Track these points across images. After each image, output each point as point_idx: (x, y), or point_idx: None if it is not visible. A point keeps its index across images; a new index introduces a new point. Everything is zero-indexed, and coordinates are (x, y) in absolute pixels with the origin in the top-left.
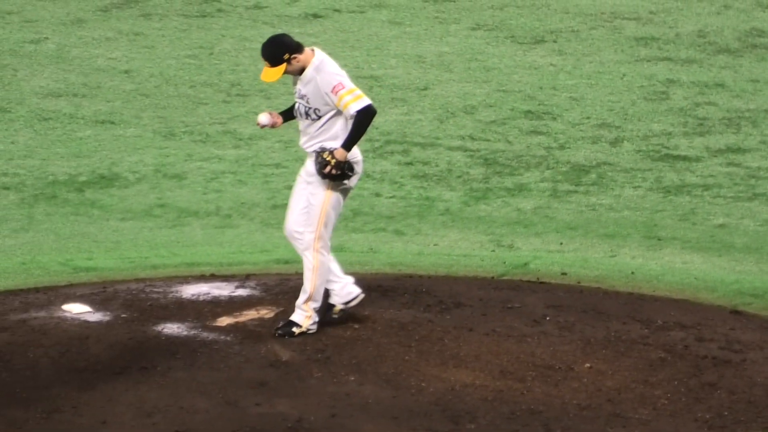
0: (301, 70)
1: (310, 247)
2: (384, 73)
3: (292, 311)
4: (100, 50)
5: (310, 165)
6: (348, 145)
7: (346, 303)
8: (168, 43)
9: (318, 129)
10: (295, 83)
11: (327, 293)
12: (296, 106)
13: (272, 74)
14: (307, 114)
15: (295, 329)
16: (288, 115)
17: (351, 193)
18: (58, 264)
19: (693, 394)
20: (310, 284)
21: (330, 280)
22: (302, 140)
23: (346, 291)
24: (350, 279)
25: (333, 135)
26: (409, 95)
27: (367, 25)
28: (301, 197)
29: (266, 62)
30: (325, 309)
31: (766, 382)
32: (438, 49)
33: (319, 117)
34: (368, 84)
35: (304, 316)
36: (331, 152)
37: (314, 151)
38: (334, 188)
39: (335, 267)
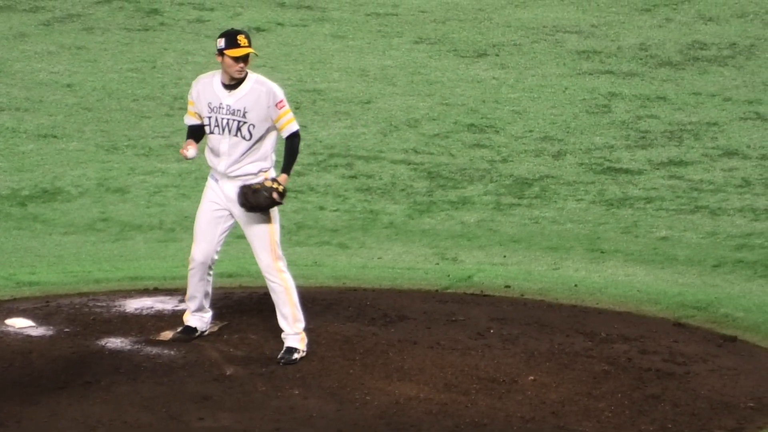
0: (232, 81)
1: (272, 270)
2: (327, 87)
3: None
4: (43, 64)
5: (229, 190)
6: (290, 169)
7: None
8: (110, 57)
9: (248, 149)
10: (215, 99)
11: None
12: (218, 122)
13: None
14: (238, 130)
15: (296, 355)
16: (197, 137)
17: None
18: (0, 278)
19: (637, 406)
20: (288, 307)
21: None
22: (224, 162)
23: (207, 320)
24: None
25: (263, 155)
26: (353, 109)
27: (310, 38)
28: (218, 225)
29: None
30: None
31: (709, 394)
32: (381, 63)
33: (251, 136)
34: (311, 98)
35: (297, 339)
36: (275, 179)
37: (241, 175)
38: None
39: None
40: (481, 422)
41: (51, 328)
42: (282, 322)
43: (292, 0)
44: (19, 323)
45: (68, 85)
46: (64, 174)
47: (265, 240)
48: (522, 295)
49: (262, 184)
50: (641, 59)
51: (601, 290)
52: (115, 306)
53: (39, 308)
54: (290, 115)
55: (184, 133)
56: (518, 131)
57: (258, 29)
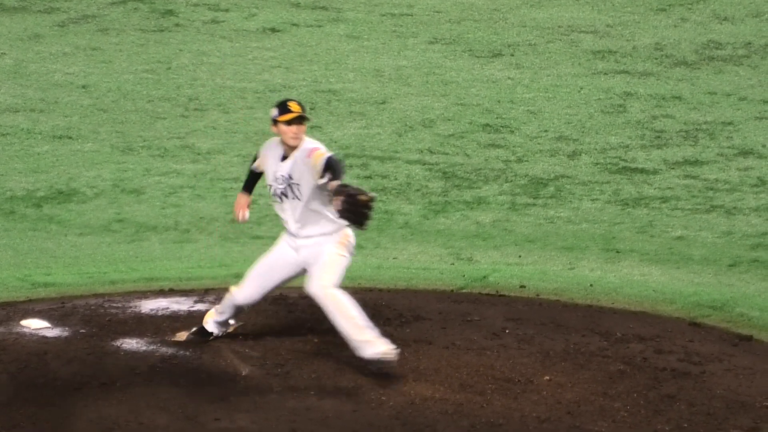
0: (288, 151)
1: (321, 289)
2: (342, 87)
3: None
4: (58, 65)
5: (305, 252)
6: (338, 178)
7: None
8: (125, 58)
9: (307, 209)
10: (273, 168)
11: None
12: (275, 191)
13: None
14: (292, 193)
15: (379, 362)
16: (253, 184)
17: None
18: (16, 279)
19: (652, 406)
20: (346, 323)
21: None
22: (292, 226)
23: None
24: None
25: (330, 214)
26: (368, 109)
27: (325, 39)
28: (280, 272)
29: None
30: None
31: (725, 393)
32: (396, 63)
33: (302, 195)
34: (326, 98)
35: (368, 346)
36: (343, 190)
37: (313, 235)
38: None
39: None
40: (496, 422)
41: (66, 329)
42: (348, 340)
43: (307, 0)
44: (35, 324)
45: (83, 87)
46: (80, 175)
47: (337, 273)
48: (537, 295)
49: (355, 197)
50: (656, 59)
51: (617, 290)
52: (131, 307)
53: (54, 309)
54: (321, 150)
55: (199, 133)
56: (533, 131)
57: (273, 30)
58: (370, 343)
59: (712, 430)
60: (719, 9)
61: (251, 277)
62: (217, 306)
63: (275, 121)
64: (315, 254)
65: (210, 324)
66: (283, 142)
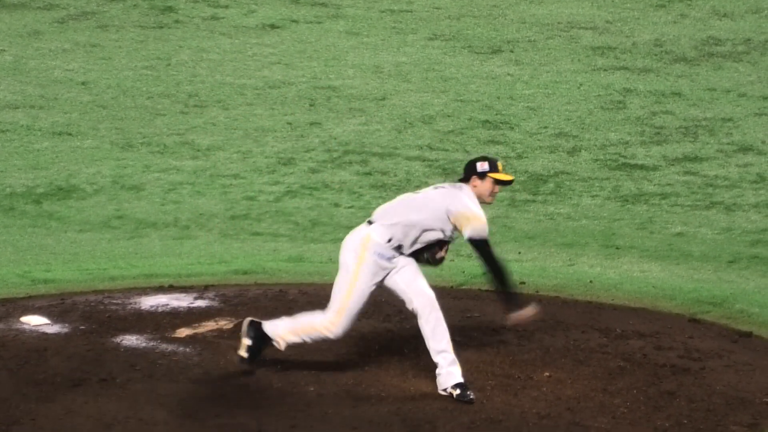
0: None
1: (434, 308)
2: (342, 84)
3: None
4: (57, 62)
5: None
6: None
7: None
8: (125, 55)
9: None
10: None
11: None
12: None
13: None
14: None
15: (461, 392)
16: None
17: None
18: (16, 276)
19: (652, 402)
20: (441, 342)
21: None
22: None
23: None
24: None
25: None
26: (367, 105)
27: (324, 35)
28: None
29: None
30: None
31: (725, 390)
32: (395, 60)
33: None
34: (326, 94)
35: (450, 376)
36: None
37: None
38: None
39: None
40: (496, 418)
41: (66, 325)
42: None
43: None
44: (35, 320)
45: (83, 83)
46: (79, 171)
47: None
48: (537, 292)
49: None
50: (656, 55)
51: (616, 286)
52: (131, 303)
53: (54, 306)
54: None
55: (198, 130)
56: (533, 127)
57: (272, 26)
58: (452, 373)
59: (712, 426)
60: (719, 5)
61: (348, 313)
62: (296, 328)
63: (482, 174)
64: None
65: (282, 343)
66: (477, 196)
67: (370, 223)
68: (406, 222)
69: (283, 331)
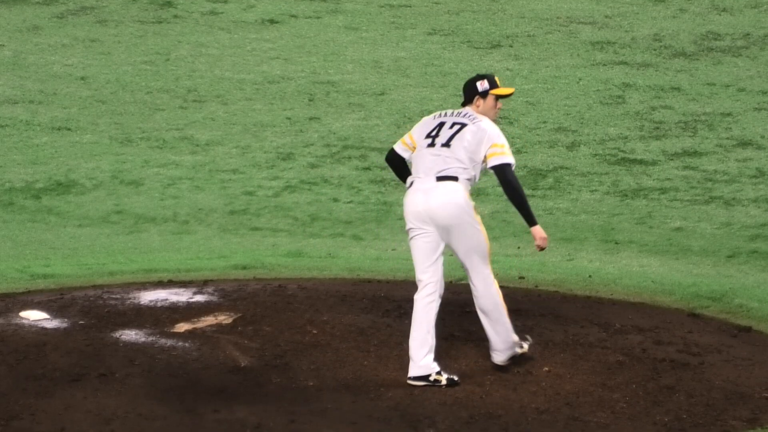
0: None
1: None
2: (341, 79)
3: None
4: (57, 57)
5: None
6: None
7: None
8: (124, 50)
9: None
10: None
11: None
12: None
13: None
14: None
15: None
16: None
17: None
18: (15, 271)
19: (651, 397)
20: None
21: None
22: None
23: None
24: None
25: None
26: (366, 100)
27: (323, 30)
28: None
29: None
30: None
31: (724, 384)
32: (394, 54)
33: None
34: (325, 89)
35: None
36: None
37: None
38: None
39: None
40: (495, 413)
41: (65, 320)
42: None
43: None
44: (34, 316)
45: (82, 78)
46: (78, 166)
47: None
48: (536, 287)
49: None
50: (655, 50)
51: (616, 281)
52: (130, 298)
53: (53, 301)
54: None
55: (197, 125)
56: (532, 122)
57: (271, 21)
58: (519, 342)
59: (711, 420)
60: (718, 0)
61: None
62: (505, 321)
63: (484, 93)
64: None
65: (524, 345)
66: (483, 114)
67: (439, 179)
68: (472, 169)
69: (510, 336)
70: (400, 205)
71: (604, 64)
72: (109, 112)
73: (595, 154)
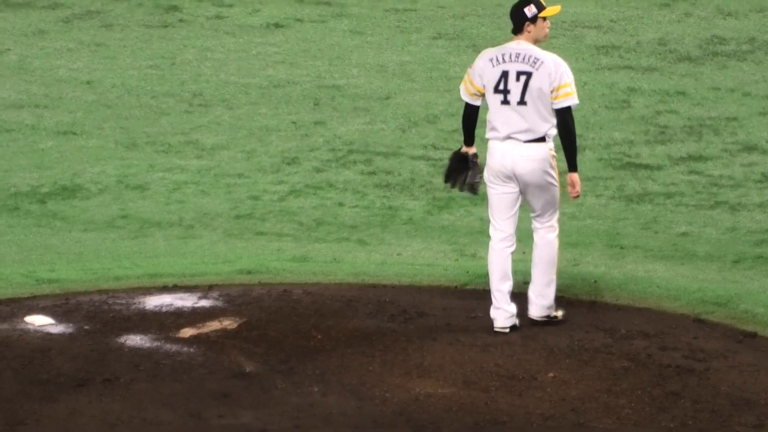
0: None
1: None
2: (346, 83)
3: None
4: (62, 61)
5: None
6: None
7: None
8: (130, 54)
9: None
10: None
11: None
12: None
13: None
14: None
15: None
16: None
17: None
18: (20, 276)
19: (657, 403)
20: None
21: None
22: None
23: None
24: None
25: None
26: (372, 104)
27: (328, 34)
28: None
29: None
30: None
31: (729, 390)
32: (400, 59)
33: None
34: (330, 93)
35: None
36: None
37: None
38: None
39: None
40: (500, 419)
41: (70, 325)
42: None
43: None
44: (39, 320)
45: (87, 82)
46: (84, 171)
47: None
48: None
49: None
50: (660, 54)
51: (621, 286)
52: (135, 303)
53: (59, 305)
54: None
55: (203, 129)
56: None
57: (277, 25)
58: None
59: (717, 427)
60: (723, 4)
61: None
62: (552, 271)
63: (534, 18)
64: None
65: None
66: (535, 41)
67: (525, 140)
68: (551, 116)
69: (551, 293)
70: (406, 209)
71: (609, 69)
72: (114, 116)
73: (600, 159)
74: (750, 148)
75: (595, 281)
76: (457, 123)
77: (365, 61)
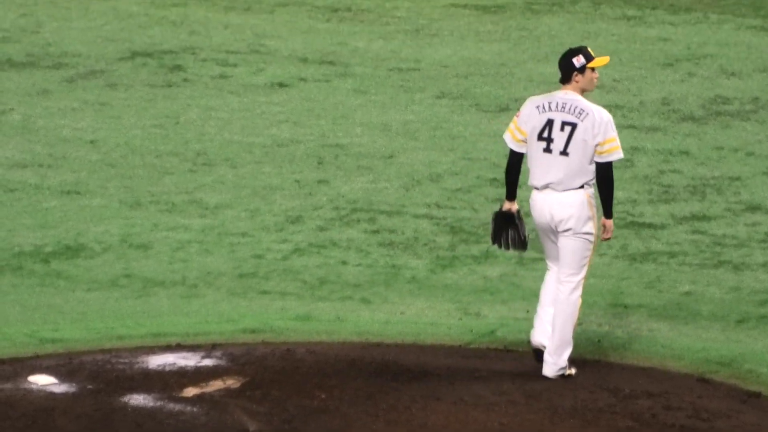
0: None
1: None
2: (349, 142)
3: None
4: (66, 120)
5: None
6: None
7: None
8: (134, 113)
9: None
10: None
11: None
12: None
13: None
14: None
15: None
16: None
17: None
18: (23, 335)
19: None
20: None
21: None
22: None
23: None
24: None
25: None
26: (375, 163)
27: (332, 93)
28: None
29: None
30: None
31: None
32: (403, 118)
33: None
34: (334, 152)
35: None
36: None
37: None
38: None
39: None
40: None
41: (74, 385)
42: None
43: (314, 56)
44: (42, 380)
45: (91, 142)
46: (87, 230)
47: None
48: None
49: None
50: (664, 114)
51: (625, 345)
52: (138, 362)
53: (62, 365)
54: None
55: (207, 188)
56: None
57: (281, 85)
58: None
59: None
60: (726, 64)
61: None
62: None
63: (582, 69)
64: None
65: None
66: (582, 91)
67: (563, 189)
68: (591, 167)
69: (565, 351)
70: (410, 268)
71: None
72: (118, 175)
73: None
74: (753, 208)
75: (599, 340)
76: (461, 182)
77: (369, 120)
